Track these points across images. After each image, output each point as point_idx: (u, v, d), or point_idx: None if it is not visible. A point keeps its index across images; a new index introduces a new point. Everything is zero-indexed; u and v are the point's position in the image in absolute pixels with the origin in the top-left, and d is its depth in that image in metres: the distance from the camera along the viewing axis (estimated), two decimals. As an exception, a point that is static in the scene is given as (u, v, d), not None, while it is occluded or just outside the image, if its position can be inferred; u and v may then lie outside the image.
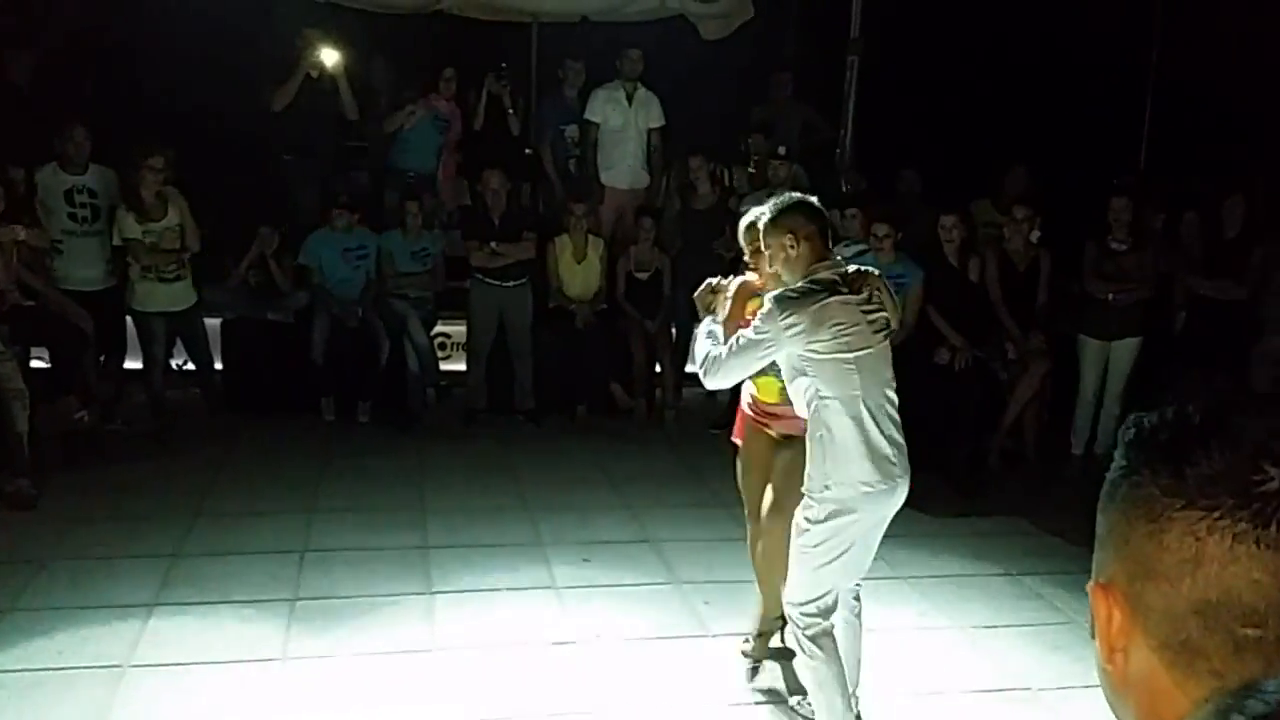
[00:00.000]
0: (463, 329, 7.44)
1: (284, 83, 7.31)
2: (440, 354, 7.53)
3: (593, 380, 7.28)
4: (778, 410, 3.68)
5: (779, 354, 3.25)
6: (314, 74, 7.39)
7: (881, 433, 3.22)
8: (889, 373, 3.32)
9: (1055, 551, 5.22)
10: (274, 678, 3.84)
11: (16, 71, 6.91)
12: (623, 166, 7.87)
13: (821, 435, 3.23)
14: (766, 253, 3.43)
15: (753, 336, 3.23)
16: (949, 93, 7.99)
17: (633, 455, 6.60)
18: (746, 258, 3.70)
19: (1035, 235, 6.61)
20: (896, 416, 3.30)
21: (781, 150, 7.47)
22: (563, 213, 7.40)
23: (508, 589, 4.62)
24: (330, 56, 7.40)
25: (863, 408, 3.20)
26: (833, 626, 3.35)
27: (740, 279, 3.66)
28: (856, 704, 3.48)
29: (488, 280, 7.07)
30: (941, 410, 6.32)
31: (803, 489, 3.30)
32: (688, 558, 5.01)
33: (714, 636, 4.30)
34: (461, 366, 7.47)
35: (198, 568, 4.69)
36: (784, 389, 3.42)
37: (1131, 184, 7.20)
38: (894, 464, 3.25)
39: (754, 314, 3.34)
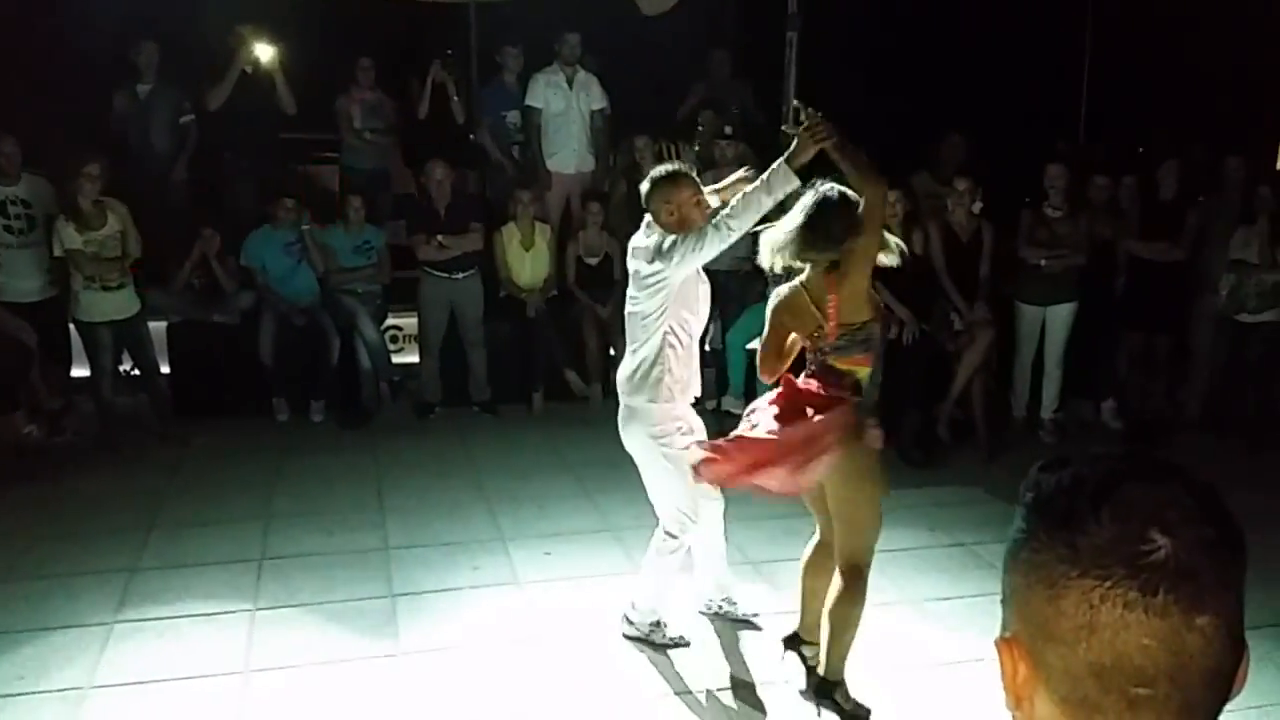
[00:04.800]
0: (414, 321, 7.42)
1: (219, 81, 7.21)
2: (392, 347, 7.51)
3: (547, 368, 7.29)
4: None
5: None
6: (249, 70, 7.29)
7: None
8: None
9: (1006, 519, 5.15)
10: (237, 691, 3.83)
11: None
12: (567, 151, 7.84)
13: None
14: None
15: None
16: (887, 65, 8.04)
17: (590, 441, 6.59)
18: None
19: (977, 206, 6.70)
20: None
21: (728, 130, 7.48)
22: (508, 201, 7.37)
23: (470, 587, 4.65)
24: (265, 52, 7.30)
25: None
26: None
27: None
28: None
29: (436, 273, 7.04)
30: (889, 385, 6.40)
31: None
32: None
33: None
34: (414, 359, 7.45)
35: (156, 581, 4.67)
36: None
37: (1068, 151, 7.31)
38: None
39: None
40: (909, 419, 6.37)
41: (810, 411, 3.46)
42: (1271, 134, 8.07)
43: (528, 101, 7.76)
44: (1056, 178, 6.60)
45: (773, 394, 3.64)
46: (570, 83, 7.77)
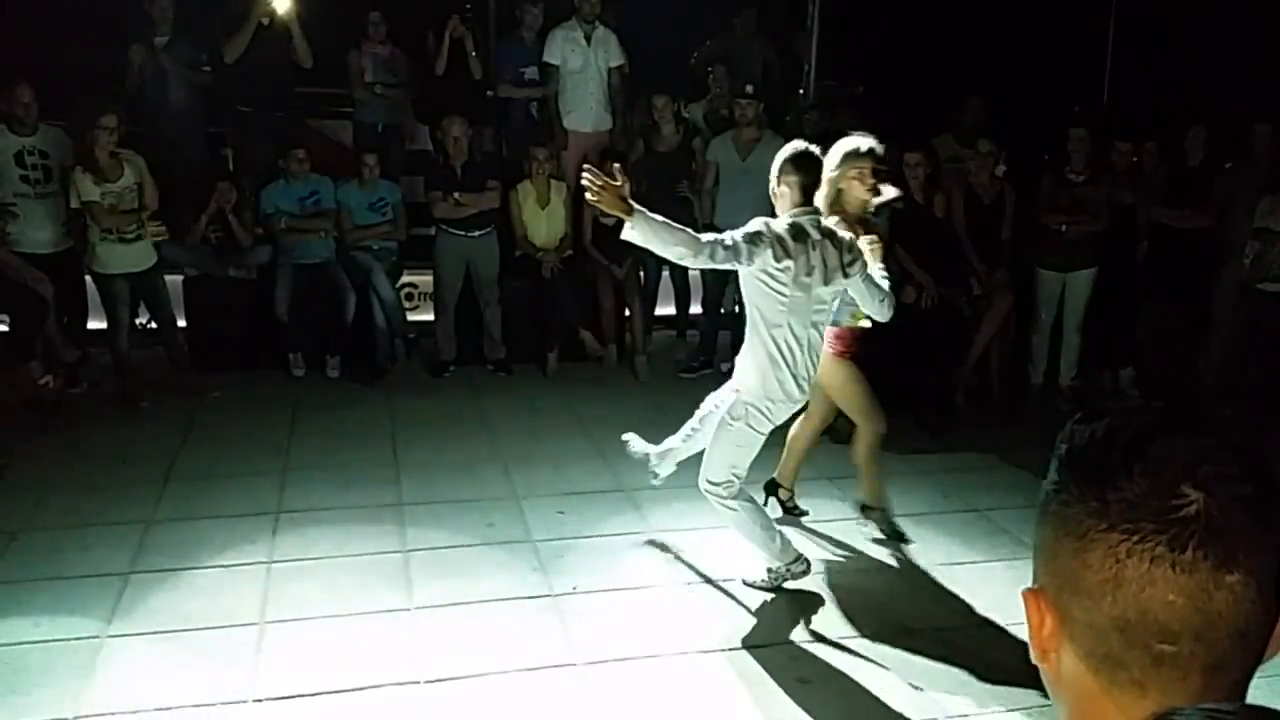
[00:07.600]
0: (429, 278, 7.39)
1: (236, 33, 7.16)
2: (407, 304, 7.50)
3: (562, 328, 7.26)
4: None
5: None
6: (265, 22, 7.23)
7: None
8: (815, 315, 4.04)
9: (1020, 485, 5.32)
10: (252, 643, 3.86)
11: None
12: (584, 109, 7.76)
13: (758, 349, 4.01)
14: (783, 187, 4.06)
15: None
16: (910, 26, 7.92)
17: (604, 402, 6.63)
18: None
19: (1000, 169, 6.63)
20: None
21: (749, 89, 7.40)
22: (524, 159, 7.32)
23: (483, 544, 4.66)
24: (281, 3, 7.24)
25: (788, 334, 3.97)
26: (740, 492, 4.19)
27: None
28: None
29: (453, 231, 7.01)
30: (908, 349, 6.37)
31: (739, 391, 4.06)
32: (662, 506, 5.06)
33: (688, 585, 4.37)
34: (429, 316, 7.44)
35: (172, 533, 4.69)
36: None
37: (1091, 115, 7.20)
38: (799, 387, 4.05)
39: None
40: (928, 385, 6.34)
41: None
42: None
43: (545, 58, 7.67)
44: (1079, 142, 6.51)
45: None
46: (589, 39, 7.67)
